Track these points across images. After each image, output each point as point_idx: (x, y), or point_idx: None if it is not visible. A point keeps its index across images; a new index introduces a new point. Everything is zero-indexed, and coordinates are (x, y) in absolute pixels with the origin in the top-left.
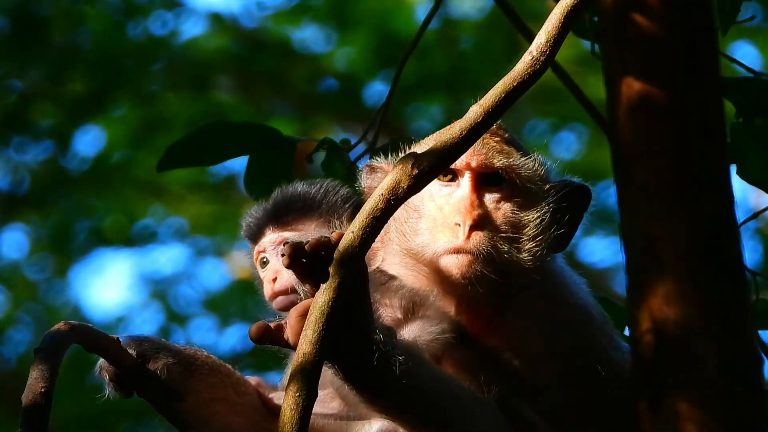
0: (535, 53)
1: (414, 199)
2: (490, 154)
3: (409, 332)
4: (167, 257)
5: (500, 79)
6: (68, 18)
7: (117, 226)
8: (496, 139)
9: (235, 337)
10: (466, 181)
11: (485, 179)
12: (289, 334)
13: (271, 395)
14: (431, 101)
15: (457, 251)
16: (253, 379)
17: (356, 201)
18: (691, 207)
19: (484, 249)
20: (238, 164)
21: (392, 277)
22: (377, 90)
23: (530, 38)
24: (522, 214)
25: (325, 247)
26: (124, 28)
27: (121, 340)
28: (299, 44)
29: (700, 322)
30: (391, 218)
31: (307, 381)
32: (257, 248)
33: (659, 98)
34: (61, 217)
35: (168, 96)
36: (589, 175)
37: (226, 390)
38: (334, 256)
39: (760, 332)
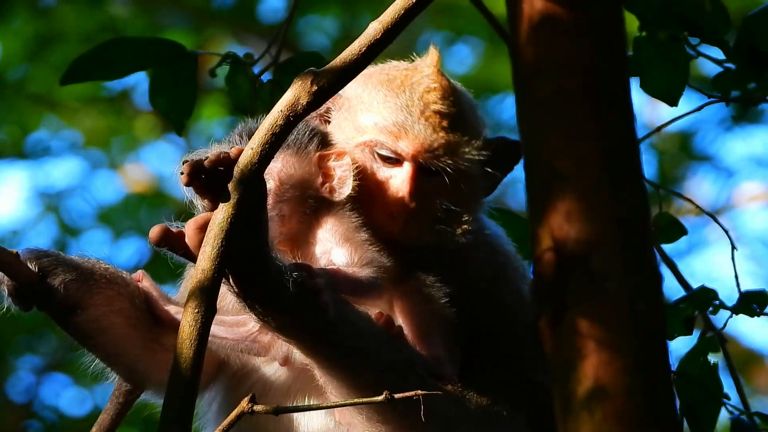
0: None
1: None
2: (437, 148)
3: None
4: (61, 170)
5: None
6: None
7: (11, 139)
8: (444, 124)
9: (129, 250)
10: (407, 169)
11: (427, 169)
12: (188, 243)
13: (167, 307)
14: (326, 14)
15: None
16: (142, 278)
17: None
18: (591, 122)
19: (416, 236)
20: (133, 79)
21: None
22: (272, 4)
23: None
24: (460, 195)
25: (225, 163)
26: None
27: (20, 253)
28: None
29: (601, 238)
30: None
31: (206, 297)
32: None
33: (561, 15)
34: None
35: (63, 9)
36: (483, 89)
37: (122, 302)
38: (234, 172)
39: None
